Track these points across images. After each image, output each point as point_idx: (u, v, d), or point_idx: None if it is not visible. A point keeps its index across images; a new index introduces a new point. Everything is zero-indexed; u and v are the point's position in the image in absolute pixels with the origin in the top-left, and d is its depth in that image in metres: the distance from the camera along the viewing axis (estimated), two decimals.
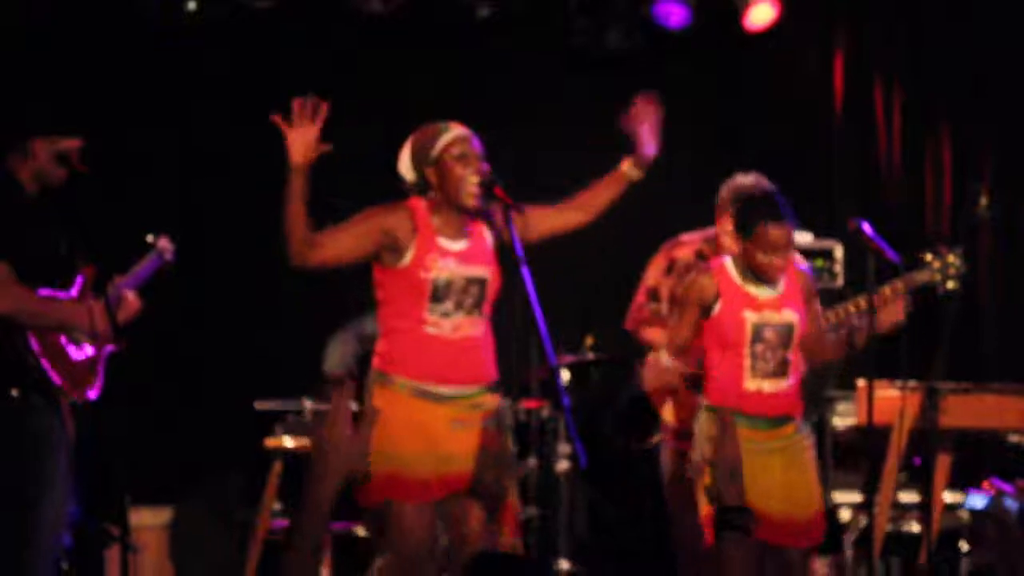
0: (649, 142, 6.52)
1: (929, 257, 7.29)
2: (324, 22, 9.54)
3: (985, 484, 7.73)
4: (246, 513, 8.33)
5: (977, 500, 7.39)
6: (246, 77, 9.59)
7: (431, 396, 6.31)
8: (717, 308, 6.69)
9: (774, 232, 6.62)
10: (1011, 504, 7.24)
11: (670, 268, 7.63)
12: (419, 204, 6.37)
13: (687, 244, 7.66)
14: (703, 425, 6.76)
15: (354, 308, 8.25)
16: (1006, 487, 7.28)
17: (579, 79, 10.09)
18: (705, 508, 6.70)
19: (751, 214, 6.73)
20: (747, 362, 6.67)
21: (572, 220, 6.63)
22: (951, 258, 7.28)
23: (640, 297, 7.71)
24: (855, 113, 10.09)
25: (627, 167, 6.54)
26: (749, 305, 6.67)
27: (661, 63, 10.01)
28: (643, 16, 9.78)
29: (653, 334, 7.66)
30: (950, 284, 7.24)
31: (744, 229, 6.73)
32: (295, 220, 6.09)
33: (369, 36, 9.61)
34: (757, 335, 6.65)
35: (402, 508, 6.27)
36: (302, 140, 6.09)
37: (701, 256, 7.51)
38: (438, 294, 6.28)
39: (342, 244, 6.28)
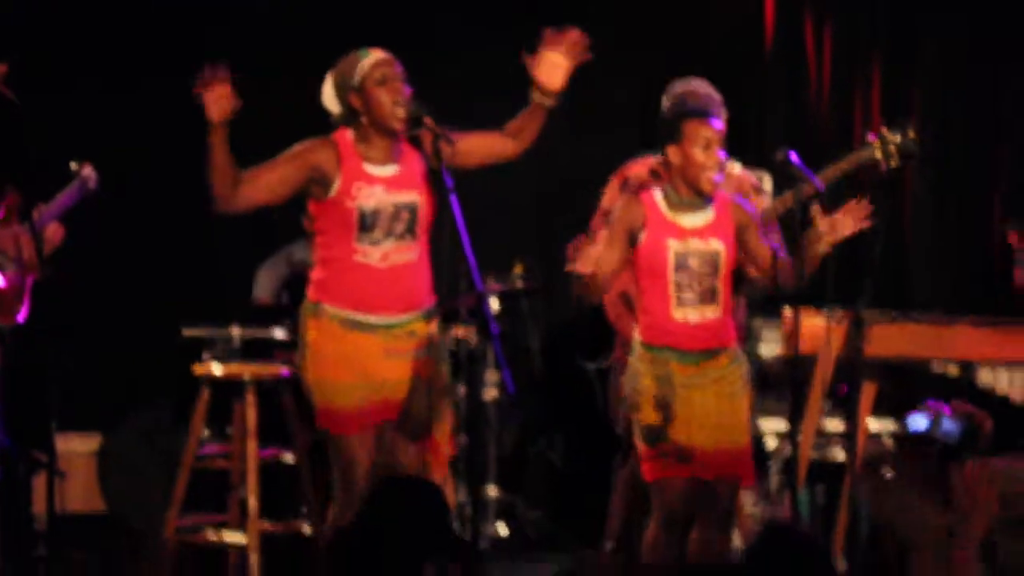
0: (548, 73, 6.48)
1: (871, 138, 7.39)
2: None
3: (923, 406, 7.70)
4: (174, 440, 8.20)
5: (919, 422, 7.34)
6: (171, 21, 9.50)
7: (362, 326, 6.35)
8: (643, 237, 6.59)
9: (698, 127, 6.65)
10: (949, 425, 7.21)
11: (624, 186, 7.58)
12: (345, 134, 6.40)
13: (642, 163, 7.60)
14: (637, 363, 6.69)
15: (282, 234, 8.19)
16: (944, 408, 7.25)
17: (512, 16, 9.97)
18: (641, 445, 6.64)
19: (676, 115, 6.69)
20: (672, 292, 6.57)
21: (508, 149, 6.68)
22: (890, 136, 7.37)
23: (597, 218, 7.65)
24: (786, 49, 10.18)
25: (536, 96, 6.51)
26: (673, 233, 6.60)
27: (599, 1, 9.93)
28: None
29: None
30: (893, 162, 7.34)
31: (671, 133, 6.68)
32: (219, 171, 6.16)
33: None
34: (680, 263, 6.56)
35: (342, 440, 6.34)
36: (216, 100, 6.06)
37: (655, 174, 7.44)
38: (366, 222, 6.30)
39: (268, 186, 6.36)
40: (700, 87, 6.97)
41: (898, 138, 7.30)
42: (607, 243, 6.63)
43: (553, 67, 6.47)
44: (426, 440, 6.55)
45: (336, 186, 6.28)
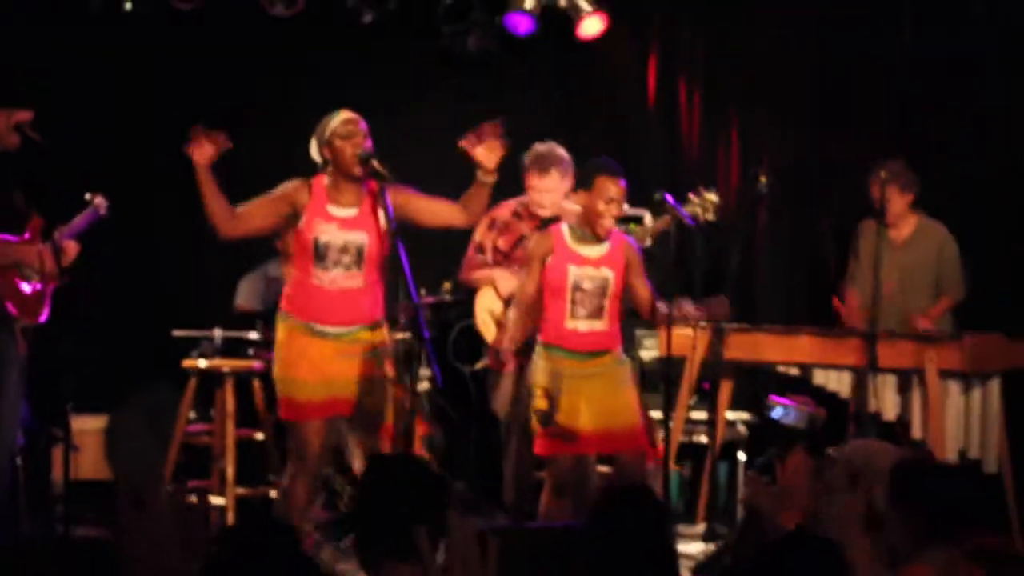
0: (483, 159, 6.54)
1: (691, 196, 7.36)
2: (237, 21, 9.41)
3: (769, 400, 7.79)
4: (167, 420, 8.26)
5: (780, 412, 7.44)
6: (169, 66, 9.47)
7: (318, 333, 6.46)
8: (550, 261, 6.74)
9: (604, 183, 6.74)
10: (793, 415, 7.28)
11: (491, 225, 7.69)
12: (321, 179, 6.51)
13: (505, 206, 7.78)
14: (537, 359, 6.82)
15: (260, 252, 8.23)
16: (785, 401, 7.34)
17: (446, 75, 10.04)
18: (535, 425, 6.76)
19: (593, 170, 6.84)
20: (568, 306, 6.73)
21: (457, 219, 6.74)
22: (709, 196, 7.37)
23: (470, 251, 7.83)
24: (664, 106, 10.10)
25: (480, 175, 6.61)
26: (573, 261, 6.75)
27: (512, 63, 9.98)
28: (497, 24, 9.73)
29: (480, 275, 7.83)
30: (709, 216, 7.32)
31: (585, 182, 6.83)
32: (211, 205, 6.28)
33: (275, 34, 9.49)
34: (577, 285, 6.72)
35: (299, 426, 6.44)
36: (201, 153, 6.23)
37: (517, 215, 7.65)
38: (319, 252, 6.42)
39: (256, 218, 6.45)
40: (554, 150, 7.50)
41: (712, 196, 7.38)
42: (527, 280, 6.83)
43: (488, 152, 6.55)
44: (381, 428, 6.66)
45: (303, 220, 6.41)
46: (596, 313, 6.78)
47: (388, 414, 6.67)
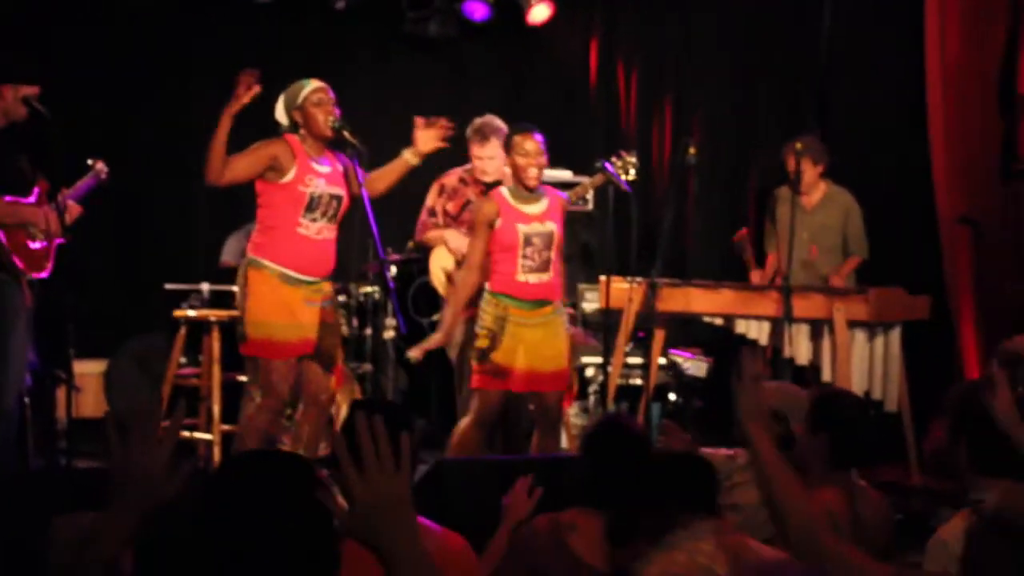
0: (421, 143, 6.71)
1: (614, 158, 7.31)
2: (223, 6, 9.37)
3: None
4: (160, 364, 8.24)
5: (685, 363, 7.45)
6: (161, 44, 9.42)
7: (292, 280, 6.43)
8: (498, 223, 6.72)
9: (521, 141, 6.73)
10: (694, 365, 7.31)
11: (441, 191, 7.71)
12: (293, 138, 6.46)
13: (452, 174, 7.79)
14: (485, 305, 6.79)
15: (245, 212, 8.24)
16: (684, 353, 7.37)
17: (411, 56, 10.00)
18: (474, 363, 6.76)
19: (510, 134, 6.91)
20: (519, 261, 6.72)
21: (371, 188, 6.66)
22: (628, 158, 7.31)
23: (423, 215, 7.81)
24: (604, 85, 10.12)
25: (408, 155, 6.74)
26: (520, 220, 6.73)
27: (468, 47, 9.96)
28: (455, 11, 9.70)
29: (433, 236, 7.79)
30: (630, 176, 7.26)
31: (506, 146, 6.87)
32: (217, 148, 6.22)
33: (256, 19, 9.45)
34: (527, 241, 6.70)
35: (272, 364, 6.42)
36: (243, 96, 6.19)
37: (463, 181, 7.67)
38: (312, 204, 6.41)
39: (241, 168, 6.35)
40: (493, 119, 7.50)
41: (632, 158, 7.37)
42: (475, 244, 6.82)
43: (428, 140, 6.69)
44: (334, 368, 6.79)
45: (292, 174, 6.39)
46: (544, 266, 6.77)
47: (339, 356, 6.74)
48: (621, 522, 4.35)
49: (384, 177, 6.79)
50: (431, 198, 7.81)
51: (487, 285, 6.87)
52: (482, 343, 6.76)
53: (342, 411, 7.74)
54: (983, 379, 4.41)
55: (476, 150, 7.67)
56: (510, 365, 6.74)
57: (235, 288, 8.10)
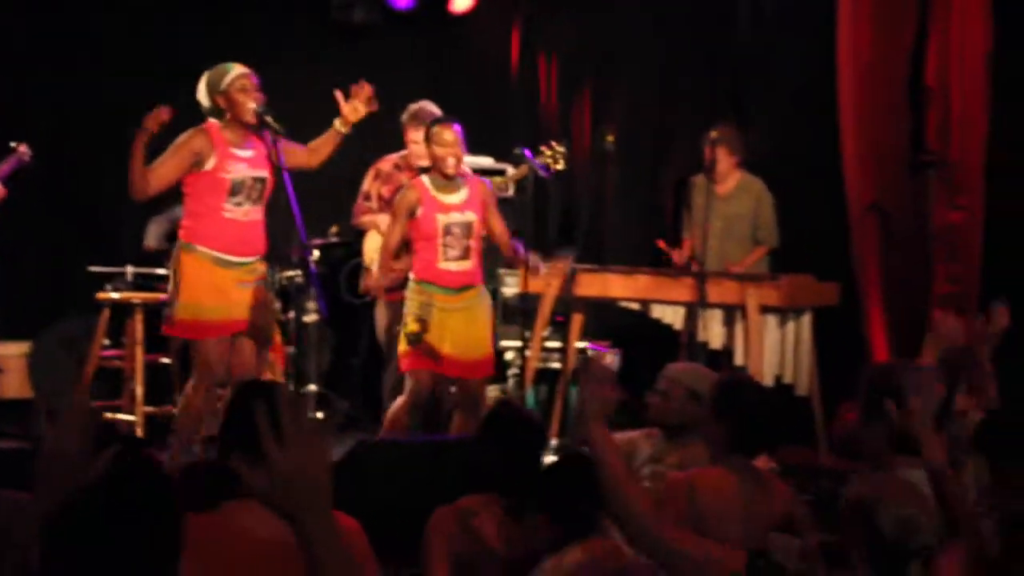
0: (347, 112, 6.68)
1: (543, 148, 7.38)
2: None
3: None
4: (84, 346, 8.18)
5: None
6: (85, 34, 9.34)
7: (224, 263, 6.43)
8: (419, 212, 6.74)
9: (439, 131, 6.79)
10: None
11: (376, 176, 7.72)
12: (213, 125, 6.45)
13: (388, 159, 7.83)
14: (410, 292, 6.81)
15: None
16: (598, 347, 7.40)
17: (336, 45, 9.96)
18: (403, 347, 6.78)
19: (429, 125, 6.96)
20: (439, 250, 6.74)
21: (307, 162, 6.73)
22: (558, 148, 7.39)
23: (359, 199, 7.84)
24: (525, 74, 10.10)
25: (337, 124, 6.72)
26: (440, 209, 6.75)
27: (392, 34, 9.93)
28: None
29: (366, 220, 7.85)
30: (560, 165, 7.33)
31: (426, 137, 6.91)
32: (137, 169, 6.22)
33: (186, 3, 9.38)
34: (447, 231, 6.72)
35: (205, 344, 6.42)
36: (148, 133, 6.17)
37: (397, 167, 7.69)
38: (235, 189, 6.41)
39: (166, 173, 6.38)
40: (431, 107, 7.46)
41: (561, 148, 7.42)
42: (393, 230, 6.84)
43: (354, 109, 6.66)
44: (271, 346, 6.82)
45: (212, 162, 6.38)
46: (464, 254, 6.81)
47: (277, 334, 6.74)
48: (522, 508, 4.42)
49: (319, 150, 6.76)
50: (367, 183, 7.85)
51: (411, 273, 6.90)
52: (412, 327, 6.76)
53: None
54: (900, 362, 4.47)
55: (411, 135, 7.69)
56: (439, 348, 6.79)
57: (159, 271, 8.13)
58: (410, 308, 6.83)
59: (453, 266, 6.82)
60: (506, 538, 4.46)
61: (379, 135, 7.90)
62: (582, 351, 4.35)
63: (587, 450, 3.67)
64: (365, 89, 6.73)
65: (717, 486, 4.45)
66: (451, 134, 6.79)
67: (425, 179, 6.86)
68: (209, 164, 6.39)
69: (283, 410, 2.36)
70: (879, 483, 3.50)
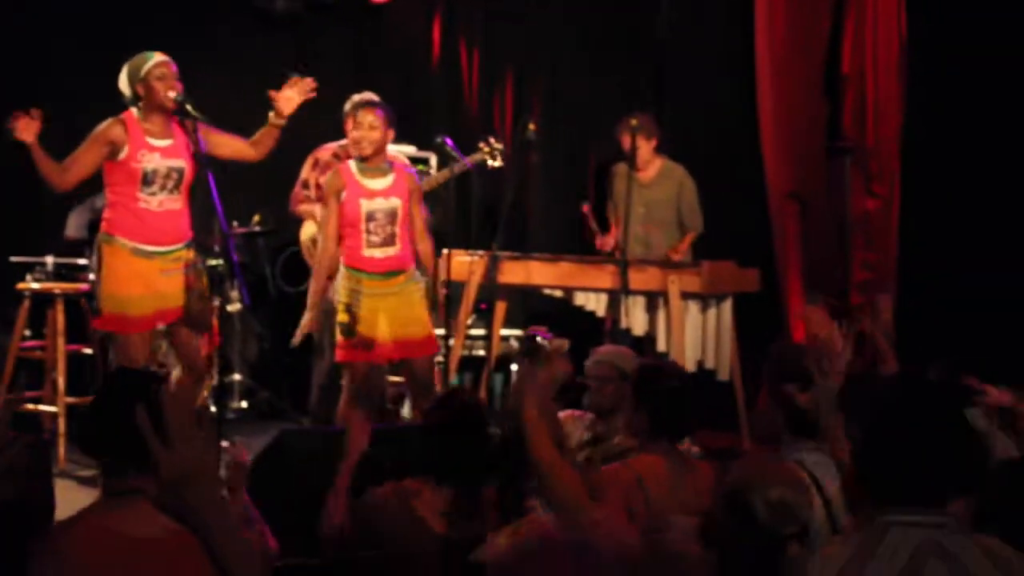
0: (282, 104, 6.63)
1: (481, 145, 7.42)
2: None
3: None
4: (3, 337, 8.02)
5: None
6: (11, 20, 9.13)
7: (144, 253, 6.32)
8: (343, 197, 6.67)
9: (360, 113, 6.73)
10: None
11: (315, 165, 7.69)
12: (131, 114, 6.35)
13: (327, 148, 7.76)
14: (340, 279, 6.74)
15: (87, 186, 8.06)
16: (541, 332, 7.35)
17: (259, 35, 9.83)
18: (339, 337, 6.69)
19: (351, 107, 7.06)
20: (363, 236, 6.65)
21: (249, 154, 6.71)
22: (496, 144, 7.46)
23: (297, 187, 7.79)
24: (447, 64, 10.06)
25: (272, 118, 6.66)
26: (363, 195, 6.68)
27: (315, 24, 9.83)
28: None
29: (303, 208, 7.80)
30: (497, 163, 7.36)
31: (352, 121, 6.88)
32: (44, 171, 6.16)
33: None
34: (370, 216, 6.64)
35: (128, 338, 6.31)
36: (28, 133, 6.06)
37: (336, 156, 7.62)
38: (147, 179, 6.31)
39: (84, 165, 6.28)
40: (369, 96, 7.28)
41: (499, 144, 7.41)
42: (329, 216, 6.73)
43: (289, 100, 6.61)
44: (208, 331, 6.79)
45: (125, 152, 6.27)
46: (389, 240, 6.71)
47: (213, 320, 6.69)
48: (465, 496, 4.41)
49: (260, 143, 6.69)
50: (305, 171, 7.80)
51: (341, 260, 6.82)
52: (342, 318, 6.69)
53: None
54: (800, 346, 4.50)
55: (351, 126, 7.60)
56: (373, 336, 6.66)
57: (80, 261, 7.99)
58: (340, 296, 6.75)
59: (378, 253, 6.70)
60: (447, 519, 4.48)
61: (302, 124, 7.82)
62: (528, 336, 4.30)
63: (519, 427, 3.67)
64: (306, 81, 6.69)
65: (655, 472, 4.48)
66: (371, 117, 6.71)
67: (352, 164, 6.78)
68: (122, 153, 6.29)
69: (165, 409, 2.37)
70: (755, 467, 3.48)
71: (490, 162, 7.42)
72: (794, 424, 4.30)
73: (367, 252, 6.69)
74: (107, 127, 6.32)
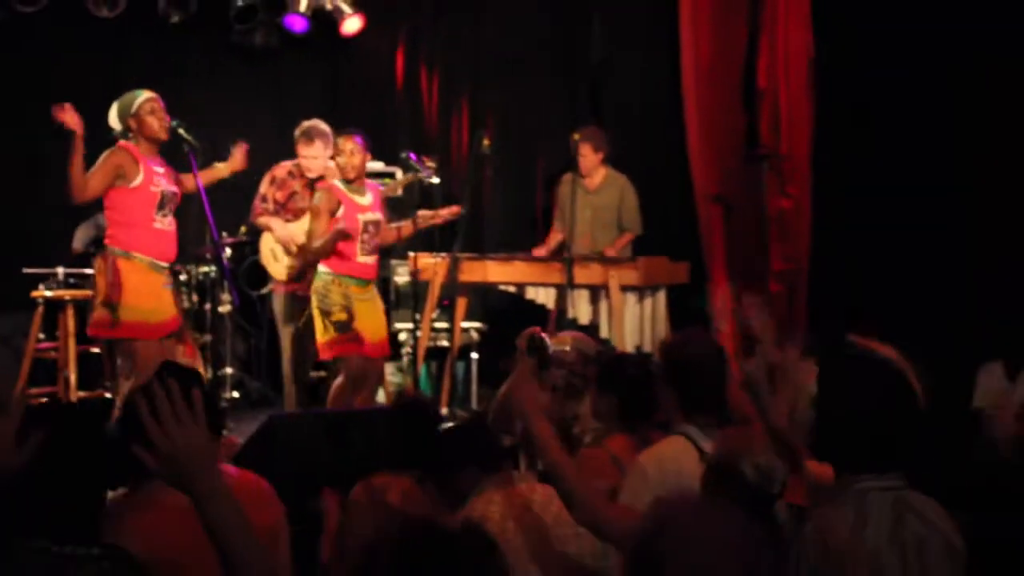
0: (239, 165, 7.01)
1: (416, 162, 7.39)
2: (70, 20, 9.09)
3: None
4: (21, 339, 8.02)
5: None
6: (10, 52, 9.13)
7: (157, 267, 6.44)
8: (341, 212, 6.76)
9: (340, 141, 6.94)
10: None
11: (272, 181, 7.68)
12: (131, 146, 6.38)
13: (282, 166, 7.78)
14: (330, 285, 6.90)
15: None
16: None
17: (239, 66, 9.84)
18: (334, 334, 6.85)
19: (337, 135, 7.06)
20: (359, 245, 6.77)
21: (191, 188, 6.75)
22: (429, 163, 7.40)
23: (256, 201, 7.77)
24: (410, 87, 10.10)
25: (220, 167, 6.93)
26: (358, 210, 6.80)
27: (290, 56, 9.84)
28: (277, 24, 9.57)
29: (262, 221, 7.77)
30: (434, 179, 7.38)
31: (333, 147, 7.06)
32: (76, 170, 6.13)
33: (100, 31, 9.19)
34: (365, 228, 6.77)
35: (146, 344, 6.33)
36: (73, 119, 6.07)
37: (291, 174, 7.69)
38: (162, 202, 6.41)
39: (98, 184, 6.28)
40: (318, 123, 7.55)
41: (432, 163, 7.39)
42: (318, 228, 6.83)
43: (239, 163, 7.04)
44: (186, 339, 6.71)
45: (140, 179, 6.34)
46: (374, 249, 7.01)
47: (187, 328, 6.85)
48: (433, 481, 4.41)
49: (188, 182, 6.76)
50: (264, 186, 7.80)
51: (328, 268, 6.88)
52: (341, 316, 6.82)
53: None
54: (688, 334, 4.47)
55: (302, 149, 7.65)
56: (363, 333, 6.84)
57: (87, 271, 7.98)
58: (335, 300, 6.89)
59: (369, 260, 7.02)
60: (422, 508, 4.39)
61: (280, 143, 7.85)
62: (533, 336, 4.29)
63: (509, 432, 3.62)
64: (244, 147, 7.01)
65: (626, 451, 4.43)
66: (352, 145, 6.90)
67: (339, 184, 6.90)
68: (137, 180, 6.35)
69: (158, 397, 2.39)
70: (739, 439, 3.52)
71: (428, 178, 7.43)
72: (684, 405, 4.20)
73: (361, 259, 6.92)
74: (112, 154, 6.35)
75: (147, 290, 6.34)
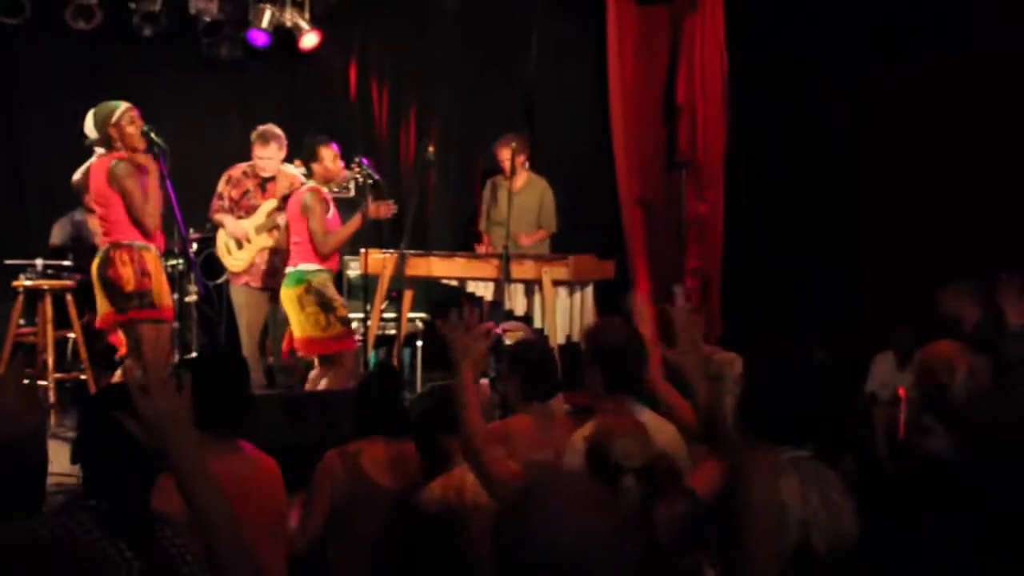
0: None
1: (353, 165, 7.35)
2: (48, 32, 9.09)
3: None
4: (2, 325, 8.01)
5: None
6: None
7: (161, 258, 6.55)
8: (331, 212, 7.00)
9: (321, 150, 7.01)
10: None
11: (228, 180, 7.79)
12: (121, 154, 6.41)
13: (238, 167, 7.85)
14: (326, 280, 7.01)
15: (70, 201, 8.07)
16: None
17: (206, 76, 9.85)
18: (341, 327, 6.97)
19: (314, 144, 7.09)
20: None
21: None
22: (358, 168, 7.33)
23: (214, 199, 7.84)
24: (362, 98, 10.11)
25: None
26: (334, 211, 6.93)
27: (252, 68, 9.86)
28: (241, 38, 9.60)
29: (218, 218, 7.85)
30: (371, 181, 7.30)
31: (312, 155, 7.04)
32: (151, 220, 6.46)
33: (77, 43, 9.20)
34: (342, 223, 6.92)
35: (164, 325, 6.49)
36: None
37: (245, 174, 7.74)
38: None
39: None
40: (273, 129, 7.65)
41: (364, 168, 7.29)
42: (318, 224, 6.91)
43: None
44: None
45: (151, 180, 6.40)
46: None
47: None
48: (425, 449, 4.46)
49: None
50: (221, 185, 7.85)
51: (319, 265, 6.97)
52: (342, 311, 6.93)
53: None
54: (604, 322, 4.57)
55: (258, 151, 7.72)
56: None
57: (64, 263, 8.02)
58: (334, 295, 6.99)
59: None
60: (389, 474, 4.47)
61: (244, 147, 7.90)
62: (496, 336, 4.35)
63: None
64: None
65: (523, 428, 4.50)
66: (333, 152, 7.07)
67: (324, 188, 7.01)
68: (150, 181, 6.42)
69: (143, 370, 2.49)
70: (608, 424, 3.62)
71: (363, 181, 7.46)
72: (607, 385, 4.22)
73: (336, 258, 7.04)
74: (128, 163, 6.38)
75: (158, 273, 6.46)
